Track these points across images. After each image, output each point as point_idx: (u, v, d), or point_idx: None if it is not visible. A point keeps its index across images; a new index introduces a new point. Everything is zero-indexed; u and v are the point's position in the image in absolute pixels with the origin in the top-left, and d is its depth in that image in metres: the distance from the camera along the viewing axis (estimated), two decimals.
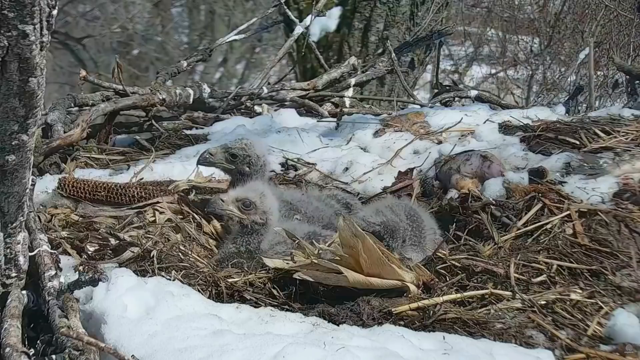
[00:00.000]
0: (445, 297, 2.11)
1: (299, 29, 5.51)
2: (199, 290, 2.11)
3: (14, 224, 1.86)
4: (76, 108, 4.07)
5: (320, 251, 2.24)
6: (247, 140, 2.82)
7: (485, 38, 11.84)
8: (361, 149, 3.67)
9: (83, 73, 4.21)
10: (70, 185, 2.92)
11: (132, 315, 1.85)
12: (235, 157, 2.77)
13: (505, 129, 3.59)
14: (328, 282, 2.13)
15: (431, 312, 2.04)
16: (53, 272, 2.00)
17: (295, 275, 2.14)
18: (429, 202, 3.10)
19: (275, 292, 2.18)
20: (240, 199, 2.50)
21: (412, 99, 5.27)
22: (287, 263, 2.22)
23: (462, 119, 3.72)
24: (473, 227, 2.66)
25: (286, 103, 4.74)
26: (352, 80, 5.05)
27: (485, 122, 3.70)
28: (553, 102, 8.01)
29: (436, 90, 5.51)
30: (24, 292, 1.95)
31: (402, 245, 2.59)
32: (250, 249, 2.49)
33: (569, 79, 8.88)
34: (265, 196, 2.54)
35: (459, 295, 2.14)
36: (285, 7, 5.84)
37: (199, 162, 2.85)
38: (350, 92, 5.01)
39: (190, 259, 2.36)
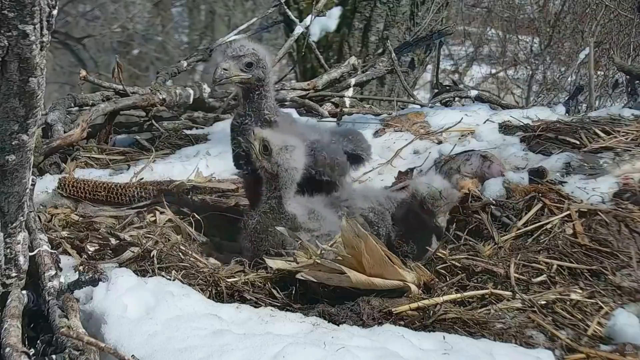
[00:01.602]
0: (445, 297, 2.11)
1: (299, 29, 5.51)
2: (199, 290, 2.11)
3: (14, 224, 1.86)
4: (76, 108, 4.07)
5: (323, 251, 2.24)
6: (251, 44, 2.60)
7: (485, 38, 11.84)
8: None
9: (83, 73, 4.20)
10: (70, 185, 2.92)
11: (132, 315, 1.85)
12: (251, 65, 2.56)
13: (505, 129, 3.59)
14: (330, 283, 2.13)
15: (431, 312, 2.04)
16: (53, 272, 2.00)
17: (298, 276, 2.14)
18: None
19: (275, 292, 2.18)
20: (265, 139, 2.42)
21: (412, 99, 5.28)
22: (290, 264, 2.22)
23: (462, 119, 3.72)
24: (473, 227, 2.66)
25: (286, 103, 4.73)
26: (352, 80, 5.05)
27: (485, 122, 3.70)
28: (553, 102, 8.00)
29: (436, 90, 5.51)
30: (24, 292, 1.95)
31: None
32: (273, 205, 2.43)
33: (569, 79, 8.88)
34: (287, 151, 2.43)
35: (459, 295, 2.14)
36: (285, 7, 5.84)
37: (216, 83, 2.59)
38: (350, 92, 5.00)
39: (191, 259, 2.36)
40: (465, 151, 3.23)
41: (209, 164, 3.40)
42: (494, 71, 11.68)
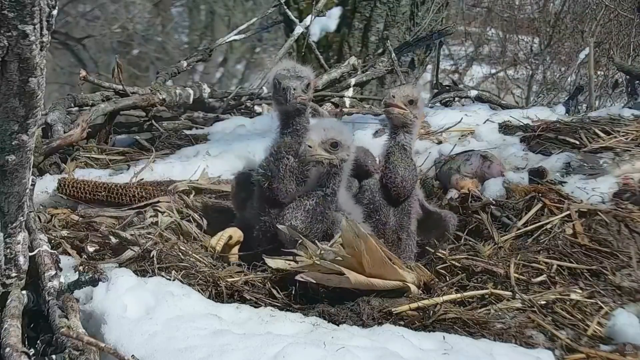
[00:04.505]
0: (445, 297, 2.11)
1: (299, 29, 5.50)
2: (199, 290, 2.11)
3: (14, 224, 1.86)
4: (76, 108, 4.06)
5: (323, 251, 2.23)
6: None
7: (485, 38, 11.85)
8: None
9: (83, 73, 4.20)
10: (70, 186, 2.92)
11: (132, 315, 1.85)
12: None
13: (505, 129, 3.60)
14: (330, 284, 2.12)
15: (431, 312, 2.04)
16: (53, 272, 1.99)
17: (298, 277, 2.13)
18: (429, 202, 3.10)
19: (275, 292, 2.18)
20: (325, 140, 2.46)
21: None
22: (289, 264, 2.21)
23: (462, 119, 3.72)
24: (473, 227, 2.66)
25: None
26: (352, 80, 5.05)
27: (485, 122, 3.70)
28: (553, 102, 8.00)
29: (436, 90, 5.51)
30: (24, 292, 1.95)
31: None
32: (334, 189, 2.50)
33: (569, 79, 8.89)
34: (343, 131, 2.52)
35: (459, 295, 2.14)
36: (285, 7, 5.84)
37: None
38: (350, 92, 5.00)
39: (191, 259, 2.36)
40: (465, 151, 3.23)
41: (208, 164, 3.40)
42: (494, 71, 11.69)
